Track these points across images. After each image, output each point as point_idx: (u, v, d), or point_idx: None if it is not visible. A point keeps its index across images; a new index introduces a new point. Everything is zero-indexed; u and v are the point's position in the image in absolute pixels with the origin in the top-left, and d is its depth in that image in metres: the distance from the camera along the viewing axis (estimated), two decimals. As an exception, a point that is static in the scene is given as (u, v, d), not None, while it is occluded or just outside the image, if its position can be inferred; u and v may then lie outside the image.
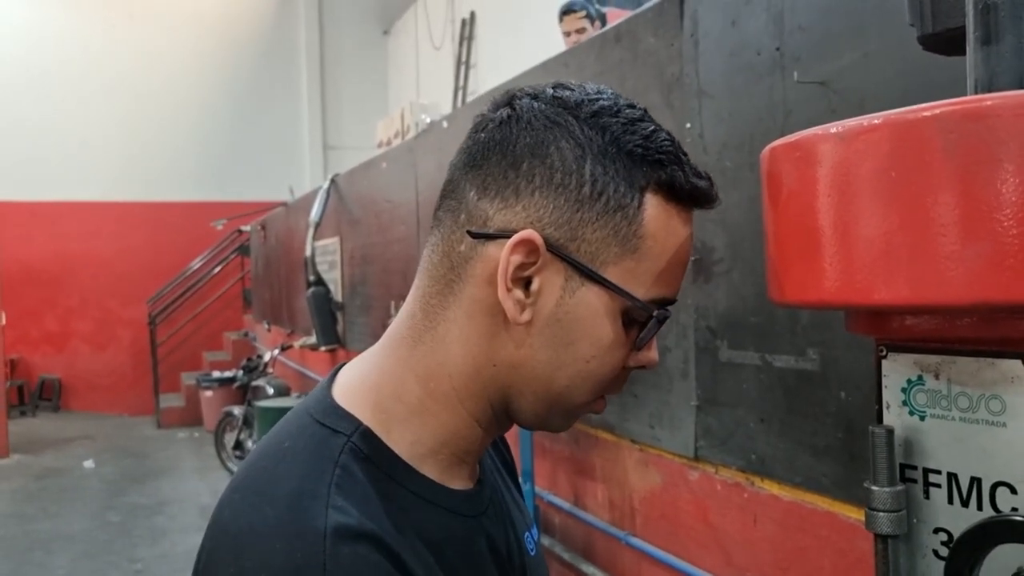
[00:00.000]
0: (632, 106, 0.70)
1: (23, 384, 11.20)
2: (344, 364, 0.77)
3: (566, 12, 4.48)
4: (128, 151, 11.81)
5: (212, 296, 11.94)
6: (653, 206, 0.68)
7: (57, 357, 11.61)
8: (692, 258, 2.37)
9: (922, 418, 0.68)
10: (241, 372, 8.41)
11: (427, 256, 0.73)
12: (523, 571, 0.80)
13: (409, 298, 0.74)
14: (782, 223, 0.69)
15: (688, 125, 2.43)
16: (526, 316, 0.67)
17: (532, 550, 0.83)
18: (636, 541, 2.72)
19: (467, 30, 9.77)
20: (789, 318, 2.06)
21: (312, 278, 6.42)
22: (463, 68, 9.68)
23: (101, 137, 11.69)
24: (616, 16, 6.17)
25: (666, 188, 0.68)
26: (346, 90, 13.15)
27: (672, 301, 0.72)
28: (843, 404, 1.90)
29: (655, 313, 0.69)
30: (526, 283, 0.67)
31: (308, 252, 6.51)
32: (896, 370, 0.70)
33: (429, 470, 0.71)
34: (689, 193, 0.69)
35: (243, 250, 11.77)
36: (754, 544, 2.25)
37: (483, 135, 0.70)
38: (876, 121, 0.62)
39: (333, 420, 0.70)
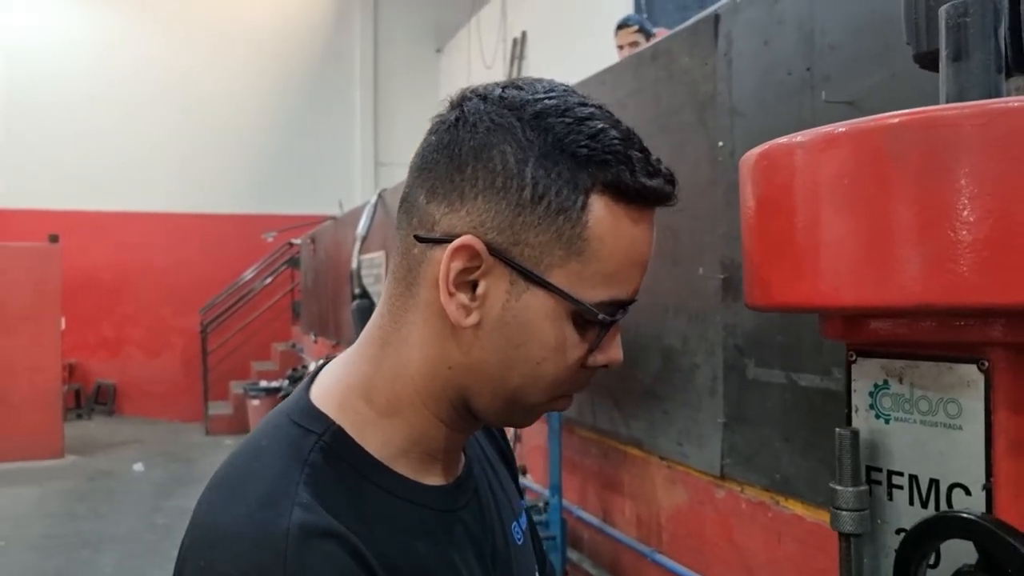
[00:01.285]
0: (584, 104, 0.68)
1: (80, 388, 11.55)
2: (327, 363, 0.80)
3: (620, 26, 4.61)
4: (185, 164, 12.18)
5: (262, 307, 12.20)
6: (599, 208, 0.66)
7: (112, 362, 11.95)
8: (721, 276, 2.39)
9: (887, 421, 0.70)
10: (286, 382, 8.58)
11: (392, 260, 0.75)
12: (507, 561, 0.82)
13: (380, 300, 0.76)
14: (754, 229, 0.72)
15: (720, 143, 2.45)
16: (472, 319, 0.68)
17: (519, 539, 0.86)
18: (662, 558, 2.72)
19: (518, 49, 9.89)
20: (815, 337, 2.06)
21: (357, 291, 6.52)
22: (513, 87, 9.78)
23: (159, 150, 12.07)
24: (663, 35, 6.21)
25: (612, 189, 0.66)
26: (398, 107, 13.36)
27: (629, 301, 0.70)
28: (866, 424, 1.89)
29: (600, 317, 0.68)
30: (473, 286, 0.68)
31: (354, 265, 6.63)
32: (864, 374, 0.72)
33: (402, 468, 0.73)
34: (638, 192, 0.67)
35: (293, 262, 12.01)
36: (778, 564, 2.23)
37: (434, 138, 0.71)
38: (841, 130, 0.64)
39: (307, 420, 0.72)
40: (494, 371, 0.70)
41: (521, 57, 9.85)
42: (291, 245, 11.89)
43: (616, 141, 0.66)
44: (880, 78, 1.86)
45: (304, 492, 0.65)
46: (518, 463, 1.94)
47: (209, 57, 12.36)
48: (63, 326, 9.14)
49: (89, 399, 11.74)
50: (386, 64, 13.39)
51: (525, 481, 3.58)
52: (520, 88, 0.70)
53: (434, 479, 0.76)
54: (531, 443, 3.75)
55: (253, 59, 12.59)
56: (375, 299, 6.58)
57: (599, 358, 0.72)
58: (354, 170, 13.15)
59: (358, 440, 0.72)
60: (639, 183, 0.66)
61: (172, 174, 12.13)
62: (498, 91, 0.70)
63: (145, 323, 12.04)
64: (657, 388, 2.75)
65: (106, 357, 11.93)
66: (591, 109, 0.68)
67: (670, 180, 0.69)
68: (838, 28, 2.02)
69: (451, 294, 0.68)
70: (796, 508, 2.16)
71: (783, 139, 0.68)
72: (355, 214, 7.75)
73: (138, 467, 8.54)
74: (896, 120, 0.60)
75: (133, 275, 11.91)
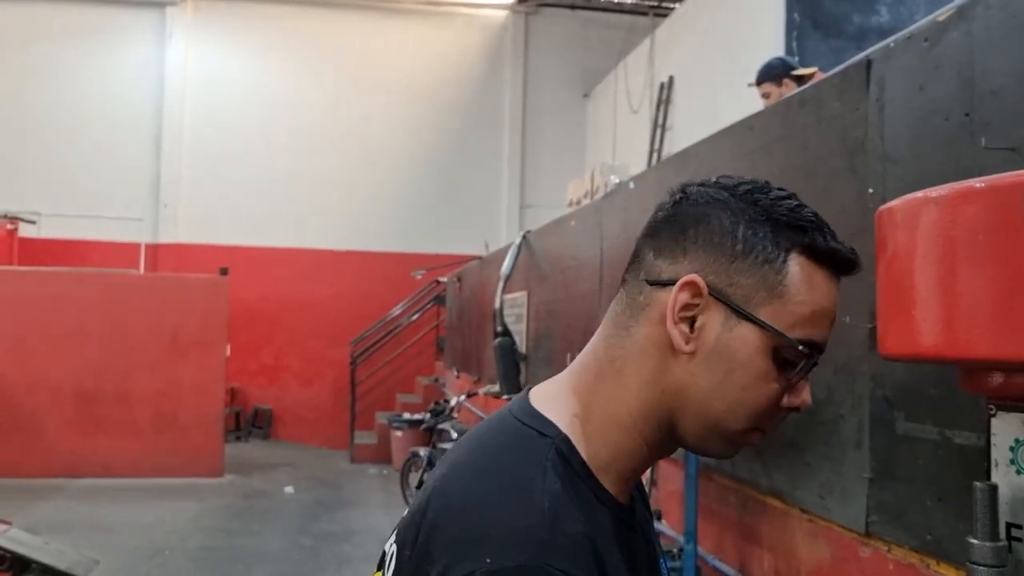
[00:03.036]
0: (782, 189, 0.83)
1: (240, 411, 12.32)
2: (531, 388, 0.92)
3: (759, 82, 4.52)
4: (343, 205, 12.90)
5: (408, 342, 12.63)
6: (796, 263, 0.80)
7: (270, 389, 12.69)
8: (869, 326, 2.32)
9: (1028, 476, 0.69)
10: (429, 415, 8.81)
11: (613, 307, 0.89)
12: None
13: (595, 339, 0.89)
14: (890, 279, 0.73)
15: (871, 190, 2.39)
16: (690, 347, 0.81)
17: (664, 574, 0.95)
18: (802, 616, 2.62)
19: (664, 94, 9.91)
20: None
21: (499, 329, 6.67)
22: (659, 131, 9.80)
23: (321, 191, 12.86)
24: (818, 76, 6.07)
25: (808, 250, 0.80)
26: (545, 151, 13.64)
27: (821, 348, 0.82)
28: (1028, 487, 1.78)
29: (800, 347, 0.80)
30: (691, 322, 0.81)
31: (497, 304, 6.79)
32: (1004, 429, 0.71)
33: (603, 481, 0.84)
34: (828, 255, 0.81)
35: (439, 300, 12.41)
36: (928, 631, 2.12)
37: (661, 214, 0.87)
38: (979, 185, 0.66)
39: (539, 424, 0.84)
40: (702, 395, 0.81)
41: (668, 102, 9.86)
42: (438, 283, 12.29)
43: (810, 214, 0.82)
44: (1046, 125, 1.78)
45: (552, 480, 0.78)
46: (653, 507, 1.95)
47: (370, 109, 13.11)
48: (228, 353, 9.80)
49: (248, 422, 12.48)
50: (534, 108, 13.71)
51: (660, 526, 3.54)
52: (731, 177, 0.86)
53: (621, 498, 0.86)
54: (667, 488, 3.70)
55: (411, 109, 13.23)
56: (516, 337, 6.71)
57: (793, 400, 0.83)
58: (500, 212, 13.48)
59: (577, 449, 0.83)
60: (830, 246, 0.81)
61: (334, 215, 12.88)
62: (713, 179, 0.86)
63: (300, 353, 12.73)
64: (799, 439, 2.68)
65: (264, 384, 12.67)
66: (788, 192, 0.83)
67: (854, 253, 0.83)
68: (1001, 72, 1.95)
69: (676, 323, 0.81)
70: (949, 572, 2.04)
71: (919, 193, 0.70)
72: (500, 254, 7.95)
73: (289, 490, 8.98)
74: (1033, 176, 0.61)
75: (291, 307, 12.64)
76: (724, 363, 0.80)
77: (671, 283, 0.81)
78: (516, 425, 0.85)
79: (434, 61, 13.43)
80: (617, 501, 0.84)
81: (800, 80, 4.34)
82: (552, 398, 0.87)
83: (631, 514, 0.88)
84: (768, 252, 0.80)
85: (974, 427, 1.96)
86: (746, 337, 0.80)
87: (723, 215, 0.81)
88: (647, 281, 0.84)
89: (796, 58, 5.78)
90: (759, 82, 4.47)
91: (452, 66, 13.58)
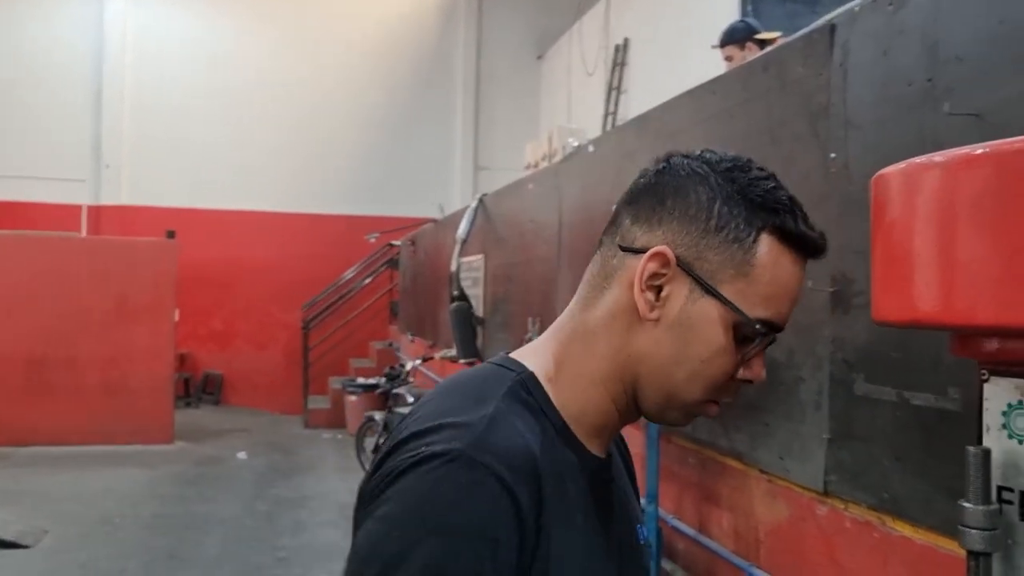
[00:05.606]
0: (762, 169, 0.86)
1: (190, 377, 12.12)
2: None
3: (722, 44, 4.51)
4: (293, 166, 12.65)
5: (361, 306, 12.53)
6: (766, 244, 0.83)
7: (220, 354, 12.49)
8: (830, 289, 2.35)
9: (1020, 442, 0.70)
10: (384, 380, 8.79)
11: (589, 269, 0.92)
12: (633, 551, 0.93)
13: (572, 300, 0.92)
14: (889, 246, 0.73)
15: (833, 155, 2.41)
16: (654, 315, 0.84)
17: (641, 540, 0.96)
18: (760, 573, 2.68)
19: (620, 56, 9.86)
20: (931, 355, 2.01)
21: (456, 293, 6.64)
22: (614, 94, 9.77)
23: (270, 152, 12.58)
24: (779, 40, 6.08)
25: (778, 232, 0.83)
26: (499, 112, 13.53)
27: (779, 328, 0.85)
28: (984, 447, 1.83)
29: (757, 327, 0.83)
30: (658, 291, 0.84)
31: (453, 268, 6.75)
32: (997, 394, 0.72)
33: (574, 431, 0.87)
34: (798, 238, 0.83)
35: (392, 263, 12.31)
36: (883, 586, 2.18)
37: (643, 180, 0.89)
38: (980, 151, 0.65)
39: (511, 364, 0.89)
40: (663, 363, 0.85)
41: (623, 64, 9.82)
42: (391, 246, 12.18)
43: (785, 198, 0.84)
44: (1013, 91, 1.80)
45: (506, 400, 0.83)
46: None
47: (319, 66, 12.81)
48: (177, 318, 9.61)
49: (197, 388, 12.30)
50: (488, 70, 13.57)
51: (620, 488, 3.58)
52: (714, 152, 0.88)
53: (594, 450, 0.90)
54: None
55: (361, 66, 12.98)
56: (472, 301, 6.69)
57: (746, 372, 0.86)
58: (454, 174, 13.37)
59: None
60: (800, 230, 0.83)
61: (283, 176, 12.62)
62: (698, 151, 0.88)
63: (251, 317, 12.55)
64: (759, 401, 2.72)
65: (215, 349, 12.48)
66: (767, 173, 0.86)
67: (823, 238, 0.84)
68: (965, 38, 1.96)
69: (642, 290, 0.84)
70: (905, 530, 2.10)
71: (921, 158, 0.69)
72: (455, 217, 7.89)
73: (242, 455, 8.91)
74: (1042, 142, 0.60)
75: (243, 271, 12.42)
76: (685, 334, 0.83)
77: (643, 251, 0.84)
78: (490, 366, 0.91)
79: (385, 17, 13.17)
80: (588, 452, 0.88)
81: (762, 44, 4.35)
82: (530, 352, 0.92)
83: (607, 468, 0.91)
84: (739, 231, 0.82)
85: (932, 388, 2.01)
86: (708, 311, 0.83)
87: (701, 189, 0.84)
88: (620, 247, 0.87)
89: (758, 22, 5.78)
90: (722, 44, 4.47)
91: (404, 22, 13.33)
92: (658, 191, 0.86)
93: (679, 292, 0.83)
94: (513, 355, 0.92)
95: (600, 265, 0.90)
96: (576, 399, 0.87)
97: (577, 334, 0.89)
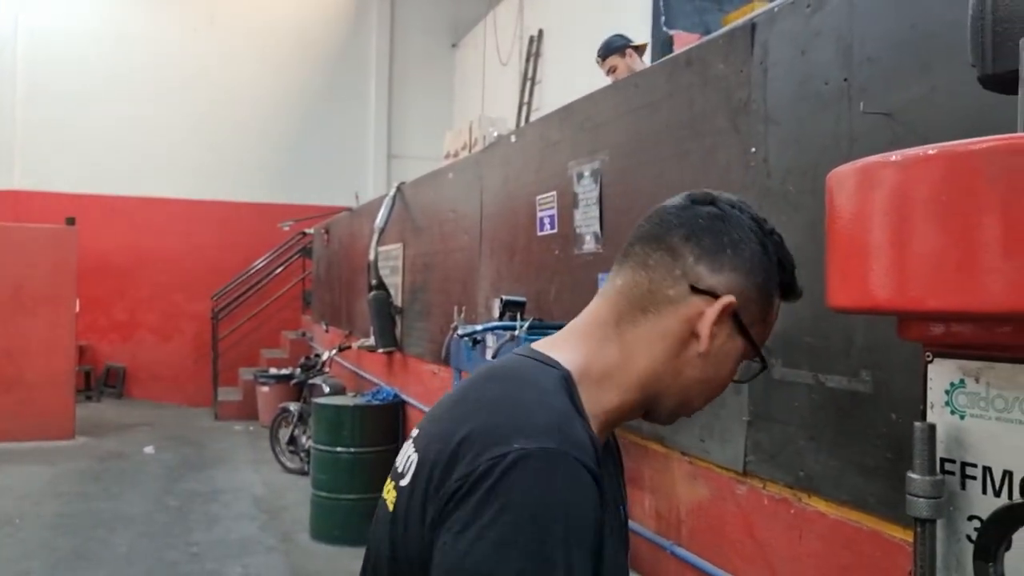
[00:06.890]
0: (773, 228, 1.01)
1: (90, 370, 11.64)
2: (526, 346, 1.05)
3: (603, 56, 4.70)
4: (201, 151, 12.25)
5: (273, 295, 12.27)
6: (778, 297, 1.00)
7: (123, 346, 12.04)
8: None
9: (962, 417, 0.76)
10: (299, 370, 8.64)
11: (626, 282, 1.00)
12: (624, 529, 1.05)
13: (598, 306, 1.02)
14: (844, 237, 0.78)
15: (753, 150, 2.51)
16: (704, 348, 0.97)
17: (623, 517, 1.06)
18: (682, 551, 2.78)
19: (534, 47, 9.93)
20: (844, 339, 2.12)
21: (374, 282, 6.59)
22: (529, 84, 9.84)
23: (176, 137, 12.15)
24: (683, 40, 6.26)
25: (786, 288, 1.01)
26: (412, 101, 13.43)
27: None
28: (894, 426, 1.95)
29: (763, 359, 1.02)
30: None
31: (372, 257, 6.69)
32: (941, 374, 0.78)
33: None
34: (792, 293, 1.01)
35: (305, 252, 12.09)
36: (799, 560, 2.30)
37: (703, 221, 0.98)
38: (932, 152, 0.71)
39: (547, 360, 0.97)
40: (692, 384, 0.99)
41: (538, 55, 9.89)
42: (304, 235, 11.96)
43: (791, 259, 1.00)
44: (920, 92, 1.92)
45: (564, 397, 0.92)
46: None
47: (229, 48, 12.45)
48: (77, 308, 9.21)
49: (99, 381, 11.83)
50: (401, 58, 13.44)
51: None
52: (751, 208, 1.01)
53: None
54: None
55: (272, 51, 12.67)
56: (391, 290, 6.65)
57: None
58: (368, 162, 13.21)
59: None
60: (800, 290, 1.02)
61: (190, 162, 12.21)
62: (740, 203, 1.01)
63: (157, 308, 12.12)
64: (682, 386, 2.81)
65: (117, 340, 12.01)
66: (778, 233, 1.00)
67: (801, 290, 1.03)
68: (877, 41, 2.08)
69: (710, 333, 0.96)
70: (819, 505, 2.22)
71: (877, 157, 0.74)
72: (371, 206, 7.81)
73: (149, 449, 8.63)
74: (990, 145, 0.66)
75: (148, 260, 11.98)
76: (719, 363, 0.99)
77: (710, 294, 0.95)
78: (527, 360, 0.98)
79: (296, 2, 12.89)
80: (598, 441, 0.97)
81: (638, 50, 4.68)
82: (556, 347, 1.00)
83: (607, 456, 1.02)
84: (772, 290, 0.99)
85: (845, 371, 2.13)
86: (738, 347, 0.99)
87: (755, 248, 0.97)
88: (693, 288, 0.96)
89: (663, 18, 5.97)
90: (603, 57, 4.67)
91: (317, 7, 13.08)
92: (719, 238, 0.97)
93: (723, 331, 0.97)
94: (541, 349, 1.00)
95: (648, 288, 0.98)
96: (600, 399, 0.97)
97: (611, 340, 0.99)
